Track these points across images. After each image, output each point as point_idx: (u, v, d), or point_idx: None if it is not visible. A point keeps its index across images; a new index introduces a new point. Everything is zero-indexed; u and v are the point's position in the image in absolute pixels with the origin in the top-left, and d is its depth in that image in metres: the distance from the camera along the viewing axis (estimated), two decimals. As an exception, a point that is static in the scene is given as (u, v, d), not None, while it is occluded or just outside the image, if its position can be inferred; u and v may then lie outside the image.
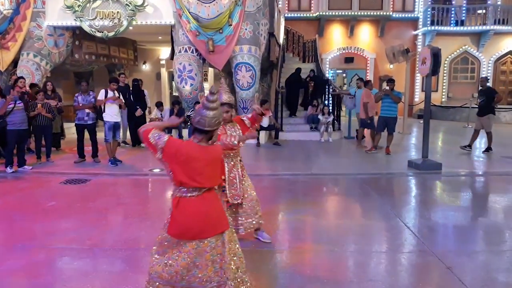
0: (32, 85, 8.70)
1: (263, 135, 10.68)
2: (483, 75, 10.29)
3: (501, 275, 3.52)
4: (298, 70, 12.70)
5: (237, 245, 2.73)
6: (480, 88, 9.80)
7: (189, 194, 2.50)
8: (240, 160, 4.04)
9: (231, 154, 3.84)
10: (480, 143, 9.85)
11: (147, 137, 2.43)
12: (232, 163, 3.92)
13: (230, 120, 3.89)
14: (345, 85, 20.10)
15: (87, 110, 7.96)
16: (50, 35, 11.12)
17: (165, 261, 2.59)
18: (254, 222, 4.03)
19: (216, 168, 2.63)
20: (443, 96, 19.03)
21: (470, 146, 9.49)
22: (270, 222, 4.87)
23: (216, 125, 2.51)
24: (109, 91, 7.82)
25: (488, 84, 10.04)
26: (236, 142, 3.46)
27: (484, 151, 9.25)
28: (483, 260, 3.86)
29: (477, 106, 9.62)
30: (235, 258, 2.66)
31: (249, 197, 3.99)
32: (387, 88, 9.24)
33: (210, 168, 2.54)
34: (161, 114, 11.24)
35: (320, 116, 11.32)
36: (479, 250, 4.13)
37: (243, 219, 3.96)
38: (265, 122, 10.60)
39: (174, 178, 2.48)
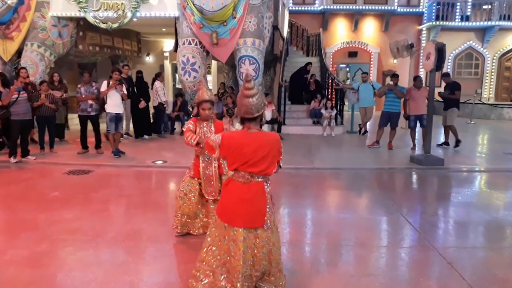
0: (42, 82, 8.68)
1: (265, 128, 10.63)
2: (446, 71, 10.18)
3: (501, 271, 3.53)
4: (309, 63, 12.59)
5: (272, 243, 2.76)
6: (445, 83, 9.72)
7: (239, 179, 2.67)
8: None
9: (206, 151, 3.82)
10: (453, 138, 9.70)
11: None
12: (207, 160, 3.93)
13: (209, 118, 3.90)
14: (349, 80, 20.04)
15: (90, 102, 7.97)
16: (54, 25, 11.11)
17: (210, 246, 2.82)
18: None
19: (267, 152, 2.63)
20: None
21: (447, 143, 9.47)
22: (271, 215, 4.89)
23: (262, 108, 2.64)
24: (111, 82, 7.82)
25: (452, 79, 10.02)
26: (194, 142, 3.62)
27: (455, 146, 9.14)
28: (483, 256, 3.88)
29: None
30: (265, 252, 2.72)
31: None
32: (391, 83, 9.20)
33: (261, 152, 2.60)
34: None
35: (323, 110, 11.31)
36: (480, 246, 4.14)
37: None
38: (267, 115, 10.60)
39: (228, 165, 2.69)
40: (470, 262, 3.70)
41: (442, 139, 9.83)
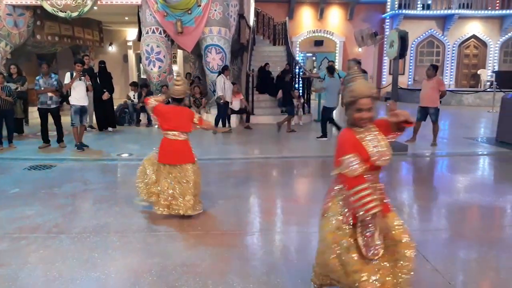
0: None
1: (234, 118, 10.62)
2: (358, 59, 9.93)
3: (463, 252, 3.67)
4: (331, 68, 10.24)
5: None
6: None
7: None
8: None
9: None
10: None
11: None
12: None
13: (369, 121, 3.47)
14: (315, 68, 20.21)
15: (50, 94, 7.65)
16: (9, 14, 10.59)
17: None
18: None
19: (181, 118, 4.33)
20: (409, 79, 19.46)
21: None
22: (241, 205, 4.89)
23: (185, 93, 4.37)
24: (74, 73, 7.56)
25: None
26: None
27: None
28: (446, 237, 4.02)
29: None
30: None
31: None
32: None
33: (178, 118, 4.31)
34: (134, 95, 11.04)
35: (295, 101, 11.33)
36: (443, 228, 4.28)
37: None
38: (235, 105, 10.55)
39: (160, 126, 4.39)
40: (433, 244, 3.83)
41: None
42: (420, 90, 8.53)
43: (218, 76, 9.92)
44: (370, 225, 2.35)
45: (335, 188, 2.54)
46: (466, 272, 3.40)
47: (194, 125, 4.40)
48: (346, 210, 2.43)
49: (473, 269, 3.41)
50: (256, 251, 3.70)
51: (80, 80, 7.58)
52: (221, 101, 9.69)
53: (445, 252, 3.66)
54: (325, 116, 9.08)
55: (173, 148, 4.33)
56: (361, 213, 2.27)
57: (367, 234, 2.36)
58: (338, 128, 8.97)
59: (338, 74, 11.10)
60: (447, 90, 8.42)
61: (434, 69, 8.30)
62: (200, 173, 4.54)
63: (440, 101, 8.29)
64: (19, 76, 9.32)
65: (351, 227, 2.41)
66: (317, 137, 8.97)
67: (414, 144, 8.28)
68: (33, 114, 10.61)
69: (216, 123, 9.78)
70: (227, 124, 9.95)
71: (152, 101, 4.39)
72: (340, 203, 2.46)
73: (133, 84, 11.35)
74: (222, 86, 9.66)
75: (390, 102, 3.27)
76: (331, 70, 9.36)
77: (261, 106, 12.04)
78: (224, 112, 9.85)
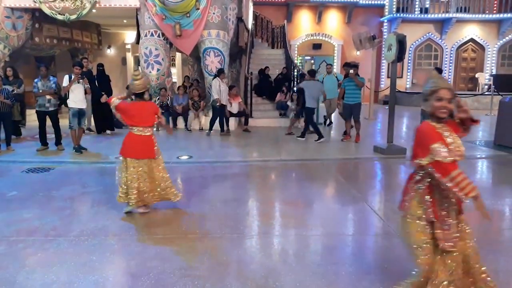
0: None
1: (233, 121, 10.63)
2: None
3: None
4: (312, 72, 10.51)
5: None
6: (345, 75, 9.83)
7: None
8: None
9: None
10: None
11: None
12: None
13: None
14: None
15: (48, 96, 7.65)
16: (8, 17, 10.59)
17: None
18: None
19: (144, 113, 4.48)
20: (408, 83, 19.50)
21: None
22: (239, 208, 4.89)
23: (145, 87, 4.54)
24: (73, 76, 7.55)
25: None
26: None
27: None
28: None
29: None
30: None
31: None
32: (351, 71, 9.06)
33: (141, 113, 4.46)
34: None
35: (289, 103, 11.36)
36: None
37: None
38: (234, 108, 10.55)
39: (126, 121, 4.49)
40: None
41: (404, 128, 10.08)
42: (418, 93, 8.57)
43: (213, 79, 9.94)
44: (448, 219, 2.45)
45: (413, 186, 2.58)
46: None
47: (157, 118, 4.59)
48: (426, 207, 2.47)
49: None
50: (255, 254, 3.69)
51: (78, 83, 7.58)
52: (217, 104, 9.69)
53: (443, 255, 3.65)
54: (310, 116, 9.30)
55: (137, 143, 4.45)
56: (461, 196, 2.31)
57: (445, 228, 2.44)
58: (310, 132, 9.29)
59: (336, 77, 11.14)
60: None
61: (439, 72, 8.31)
62: (164, 168, 4.69)
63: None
64: (15, 79, 9.31)
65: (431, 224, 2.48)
66: (316, 140, 8.96)
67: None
68: (31, 116, 10.60)
69: (211, 126, 9.83)
70: (225, 127, 9.95)
71: (115, 100, 4.52)
72: (419, 202, 2.52)
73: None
74: (218, 89, 9.68)
75: (457, 98, 3.16)
76: (311, 73, 9.63)
77: (259, 109, 12.04)
78: (220, 115, 9.86)
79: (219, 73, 9.93)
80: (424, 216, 2.47)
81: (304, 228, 4.29)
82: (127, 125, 4.57)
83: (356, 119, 9.04)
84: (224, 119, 9.93)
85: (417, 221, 2.49)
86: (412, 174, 2.63)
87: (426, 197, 2.48)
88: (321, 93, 9.58)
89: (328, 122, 11.47)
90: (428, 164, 2.38)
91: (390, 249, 3.82)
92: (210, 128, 9.96)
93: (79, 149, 7.70)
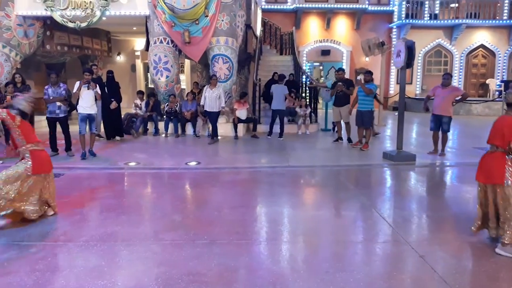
0: (8, 84, 8.41)
1: (241, 127, 10.65)
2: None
3: (471, 263, 3.63)
4: (282, 76, 11.58)
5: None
6: (338, 79, 9.79)
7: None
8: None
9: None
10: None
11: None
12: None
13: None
14: (322, 78, 20.23)
15: (58, 103, 7.75)
16: (20, 25, 10.77)
17: None
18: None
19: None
20: (417, 89, 19.39)
21: (341, 138, 9.78)
22: (248, 214, 4.88)
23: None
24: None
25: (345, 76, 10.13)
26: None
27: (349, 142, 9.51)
28: (454, 248, 3.97)
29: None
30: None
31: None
32: (359, 78, 9.00)
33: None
34: (140, 104, 11.09)
35: (297, 109, 11.36)
36: (451, 239, 4.24)
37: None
38: (243, 114, 10.58)
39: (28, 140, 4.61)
40: (441, 254, 3.78)
41: (414, 135, 10.02)
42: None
43: (205, 86, 10.16)
44: None
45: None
46: (475, 284, 3.34)
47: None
48: None
49: (482, 281, 3.35)
50: (263, 260, 3.68)
51: (88, 89, 7.65)
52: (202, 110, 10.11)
53: (453, 263, 3.61)
54: (274, 117, 10.44)
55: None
56: None
57: None
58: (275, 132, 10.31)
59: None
60: (456, 100, 8.38)
61: (449, 77, 8.42)
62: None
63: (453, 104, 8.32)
64: (23, 85, 9.43)
65: None
66: (278, 137, 9.90)
67: (436, 155, 8.27)
68: (41, 123, 10.72)
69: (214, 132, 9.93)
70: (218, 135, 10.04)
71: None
72: None
73: (140, 93, 11.41)
74: (204, 96, 9.88)
75: None
76: (281, 77, 11.03)
77: (268, 115, 12.02)
78: (211, 121, 9.94)
79: (210, 78, 10.21)
80: None
81: (312, 235, 4.27)
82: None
83: (367, 126, 8.93)
84: (212, 126, 9.90)
85: None
86: (502, 155, 4.14)
87: None
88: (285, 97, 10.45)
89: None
90: None
91: (398, 256, 3.79)
92: (214, 135, 9.94)
93: (91, 153, 7.80)
